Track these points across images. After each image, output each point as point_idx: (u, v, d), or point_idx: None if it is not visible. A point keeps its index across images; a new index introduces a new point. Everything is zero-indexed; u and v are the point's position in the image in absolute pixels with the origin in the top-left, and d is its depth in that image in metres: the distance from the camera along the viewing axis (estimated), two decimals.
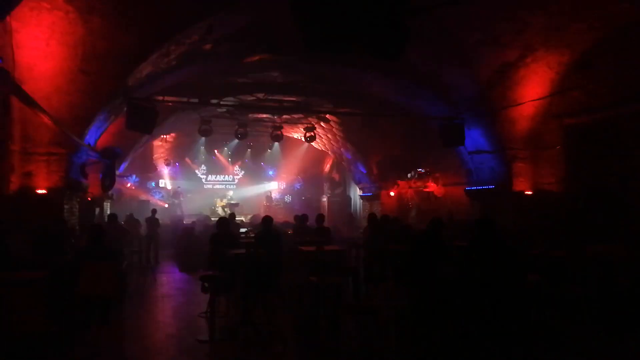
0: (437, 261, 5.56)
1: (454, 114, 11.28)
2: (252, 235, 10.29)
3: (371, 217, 9.61)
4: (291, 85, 12.47)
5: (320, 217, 9.32)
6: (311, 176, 24.62)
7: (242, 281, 6.44)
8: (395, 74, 10.98)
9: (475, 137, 11.45)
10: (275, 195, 26.26)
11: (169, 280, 10.99)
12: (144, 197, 22.70)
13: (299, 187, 26.15)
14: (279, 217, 23.46)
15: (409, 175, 15.50)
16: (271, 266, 6.61)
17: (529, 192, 10.96)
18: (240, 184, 26.39)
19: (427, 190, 14.50)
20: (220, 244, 7.11)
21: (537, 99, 10.25)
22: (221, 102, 12.57)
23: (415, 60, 10.04)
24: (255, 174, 26.40)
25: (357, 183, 18.80)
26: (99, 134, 9.70)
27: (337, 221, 18.96)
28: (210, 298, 6.27)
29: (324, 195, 23.27)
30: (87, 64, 7.98)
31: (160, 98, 11.49)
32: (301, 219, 10.12)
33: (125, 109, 9.27)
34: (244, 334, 6.12)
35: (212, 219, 23.19)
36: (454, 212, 13.61)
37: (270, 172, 26.54)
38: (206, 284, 6.51)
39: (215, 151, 24.22)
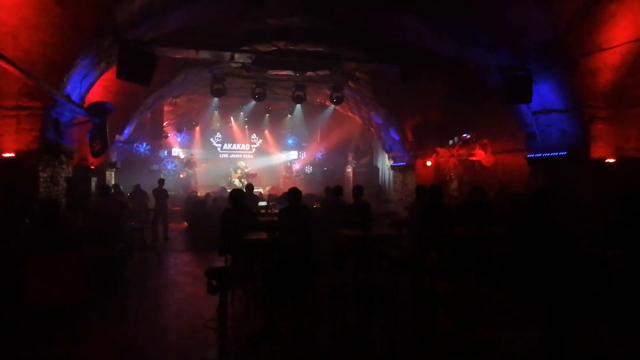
0: (561, 256, 3.71)
1: (518, 65, 9.21)
2: (275, 211, 8.45)
3: (420, 189, 7.75)
4: (317, 33, 10.47)
5: (358, 190, 7.50)
6: (334, 145, 22.65)
7: (263, 277, 4.67)
8: (447, 15, 8.90)
9: (543, 93, 9.39)
10: (295, 165, 24.50)
11: (176, 262, 9.35)
12: (155, 166, 21.16)
13: (320, 157, 24.30)
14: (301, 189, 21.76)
15: (450, 141, 13.51)
16: (303, 257, 4.83)
17: (611, 160, 8.94)
18: (257, 153, 24.67)
19: (474, 158, 12.52)
20: (233, 225, 5.35)
21: (630, 41, 8.13)
22: (237, 53, 10.65)
23: None
24: (273, 142, 24.58)
25: (388, 152, 16.85)
26: (86, 86, 7.93)
27: (364, 194, 17.10)
28: (220, 301, 4.53)
29: (349, 166, 21.38)
30: None
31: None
32: (335, 191, 8.27)
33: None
34: (267, 351, 4.40)
35: (228, 190, 21.68)
36: (507, 185, 11.69)
37: (290, 141, 24.71)
38: (214, 282, 4.75)
39: (231, 118, 22.36)
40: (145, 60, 7.48)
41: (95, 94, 10.41)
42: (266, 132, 23.94)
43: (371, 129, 17.23)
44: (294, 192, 5.88)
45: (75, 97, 7.59)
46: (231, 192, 6.00)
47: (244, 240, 4.70)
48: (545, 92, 9.34)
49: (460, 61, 10.40)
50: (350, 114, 17.47)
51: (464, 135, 12.87)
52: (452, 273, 5.40)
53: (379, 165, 19.91)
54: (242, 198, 5.85)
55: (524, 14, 8.34)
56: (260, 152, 24.67)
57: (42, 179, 6.94)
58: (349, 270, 5.18)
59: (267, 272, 4.82)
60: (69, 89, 7.20)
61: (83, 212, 7.95)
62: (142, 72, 7.48)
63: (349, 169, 21.12)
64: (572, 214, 8.36)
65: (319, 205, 12.72)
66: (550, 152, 9.62)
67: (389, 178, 18.57)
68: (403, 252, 6.48)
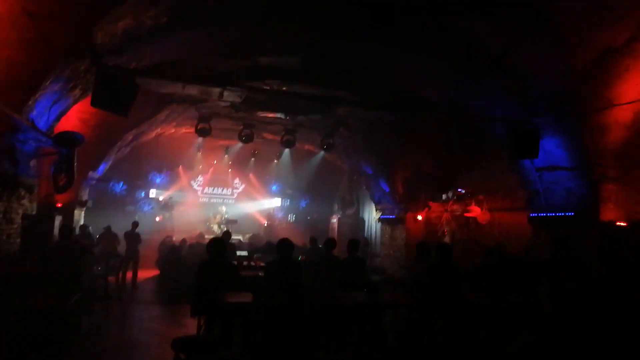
0: None
1: (525, 117, 8.74)
2: (257, 264, 7.49)
3: (422, 247, 6.95)
4: (313, 74, 9.95)
5: (354, 244, 6.69)
6: (319, 193, 21.90)
7: (244, 345, 3.76)
8: (453, 55, 8.42)
9: (549, 149, 8.88)
10: (277, 213, 23.59)
11: (142, 317, 8.25)
12: (130, 207, 20.04)
13: (304, 205, 23.50)
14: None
15: (444, 196, 12.88)
16: (295, 322, 3.95)
17: (622, 223, 8.34)
18: (239, 198, 23.76)
19: (469, 215, 11.86)
20: (210, 280, 4.46)
21: None
22: (226, 90, 10.03)
23: (481, 33, 7.53)
24: (256, 188, 23.75)
25: (377, 203, 16.16)
26: (56, 114, 7.11)
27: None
28: None
29: (334, 216, 20.57)
30: (34, 2, 5.45)
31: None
32: (327, 245, 7.36)
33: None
34: None
35: (207, 237, 20.57)
36: (504, 245, 10.99)
37: (274, 187, 23.91)
38: (182, 357, 3.78)
39: (214, 161, 21.55)
40: (125, 87, 6.72)
41: (71, 126, 9.59)
42: (250, 176, 23.15)
43: (360, 178, 16.60)
44: (285, 244, 5.03)
45: (42, 124, 6.76)
46: (210, 241, 5.14)
47: (225, 303, 3.82)
48: (551, 148, 8.84)
49: (462, 111, 9.91)
50: (339, 162, 16.87)
51: (459, 189, 12.27)
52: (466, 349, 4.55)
53: (365, 217, 19.16)
54: (222, 249, 4.99)
55: (535, 61, 7.90)
56: (242, 197, 23.78)
57: None
58: (351, 345, 4.28)
59: (250, 339, 3.91)
60: (35, 114, 6.39)
61: (37, 255, 6.93)
62: (121, 100, 6.71)
63: (334, 219, 20.32)
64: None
65: (303, 257, 11.84)
66: (556, 212, 9.01)
67: (376, 231, 17.79)
68: (410, 323, 5.59)
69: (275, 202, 23.82)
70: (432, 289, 5.60)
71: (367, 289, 4.57)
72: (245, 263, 8.70)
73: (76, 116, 10.42)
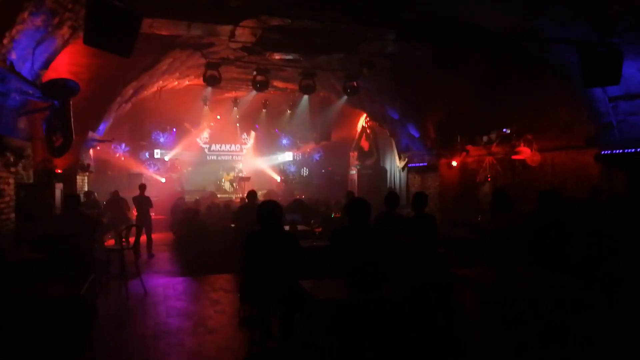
0: None
1: (600, 39, 7.31)
2: (313, 229, 5.95)
3: (501, 197, 5.70)
4: (340, 2, 8.44)
5: (422, 199, 5.48)
6: (334, 144, 20.51)
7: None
8: None
9: (628, 74, 7.51)
10: (290, 168, 22.39)
11: (166, 294, 7.15)
12: (135, 169, 18.83)
13: (318, 158, 22.26)
14: (299, 194, 19.61)
15: (484, 138, 11.59)
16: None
17: None
18: (248, 154, 22.51)
19: (518, 157, 10.60)
20: (266, 258, 3.26)
21: None
22: (239, 26, 8.55)
23: None
24: (266, 142, 22.43)
25: (403, 151, 14.89)
26: (42, 59, 5.75)
27: (371, 200, 14.99)
28: None
29: (353, 168, 19.33)
30: None
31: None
32: (391, 201, 6.06)
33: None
34: None
35: (219, 195, 19.40)
36: (562, 189, 9.78)
37: (285, 141, 22.59)
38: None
39: (218, 116, 20.05)
40: (125, 20, 5.33)
41: None
42: (260, 130, 21.77)
43: (384, 125, 15.23)
44: (361, 205, 3.79)
45: (25, 71, 5.42)
46: (262, 206, 3.90)
47: (316, 302, 2.64)
48: (632, 73, 7.47)
49: (516, 38, 8.43)
50: (359, 109, 15.45)
51: (504, 130, 10.95)
52: None
53: (387, 167, 17.91)
54: (279, 216, 3.77)
55: None
56: (252, 153, 22.52)
57: None
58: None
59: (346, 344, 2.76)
60: (15, 58, 5.03)
61: (37, 233, 5.76)
62: (120, 36, 5.33)
63: (354, 171, 19.08)
64: None
65: (337, 216, 10.72)
66: (636, 148, 7.76)
67: (400, 181, 16.60)
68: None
69: (286, 157, 22.59)
70: (540, 249, 4.41)
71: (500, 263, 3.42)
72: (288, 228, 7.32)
73: (67, 70, 8.99)
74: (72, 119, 5.98)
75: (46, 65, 6.00)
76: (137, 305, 6.45)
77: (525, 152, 10.42)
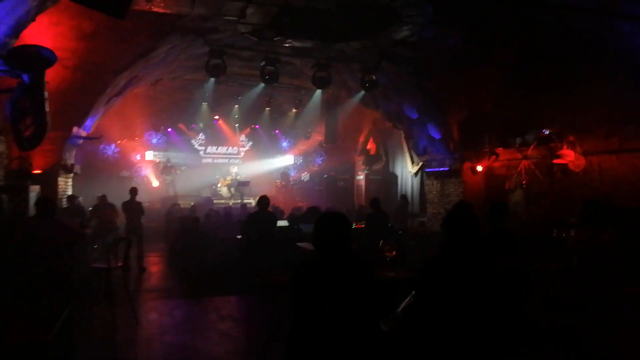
0: None
1: None
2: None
3: (594, 207, 4.49)
4: None
5: (501, 210, 4.24)
6: (337, 147, 19.18)
7: None
8: None
9: None
10: (290, 172, 21.12)
11: (162, 325, 5.78)
12: (125, 172, 17.43)
13: (320, 162, 20.98)
14: (300, 200, 18.32)
15: (518, 139, 10.39)
16: None
17: None
18: (246, 157, 21.20)
19: (561, 161, 9.41)
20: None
21: None
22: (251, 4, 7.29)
23: None
24: (265, 145, 21.12)
25: (420, 154, 13.67)
26: (10, 22, 4.42)
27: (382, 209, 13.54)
28: None
29: (360, 173, 18.06)
30: None
31: None
32: (498, 212, 4.52)
33: None
34: None
35: (215, 201, 17.98)
36: (609, 197, 8.59)
37: (285, 144, 21.32)
38: None
39: (217, 116, 18.64)
40: None
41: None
42: (260, 131, 20.45)
43: (398, 126, 14.01)
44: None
45: None
46: (325, 220, 2.54)
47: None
48: None
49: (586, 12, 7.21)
50: (372, 108, 14.19)
51: (543, 130, 9.77)
52: None
53: (398, 172, 16.66)
54: (348, 236, 2.45)
55: None
56: (250, 156, 21.21)
57: None
58: None
59: None
60: None
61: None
62: None
63: (360, 176, 17.82)
64: None
65: (360, 226, 9.45)
66: None
67: (412, 187, 15.35)
68: None
69: (286, 160, 21.31)
70: None
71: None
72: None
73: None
74: (47, 101, 4.66)
75: (16, 32, 4.68)
76: (126, 343, 5.07)
77: (569, 155, 9.24)
